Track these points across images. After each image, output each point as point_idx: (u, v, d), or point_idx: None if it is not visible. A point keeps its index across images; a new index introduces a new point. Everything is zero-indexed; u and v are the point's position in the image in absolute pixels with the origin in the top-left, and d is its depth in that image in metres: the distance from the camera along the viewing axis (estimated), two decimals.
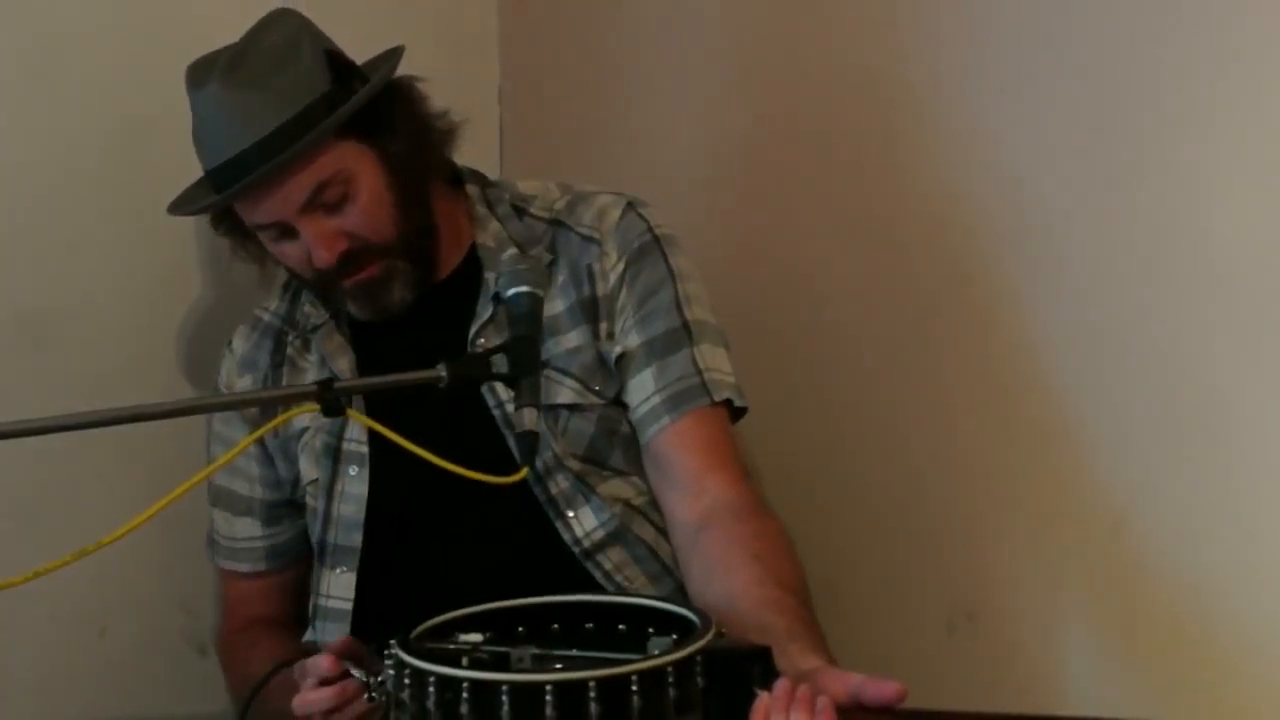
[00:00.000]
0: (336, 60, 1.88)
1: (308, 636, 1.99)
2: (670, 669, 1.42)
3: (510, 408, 1.86)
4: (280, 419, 1.81)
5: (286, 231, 1.87)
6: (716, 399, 1.89)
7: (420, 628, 1.56)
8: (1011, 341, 1.97)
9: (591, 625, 1.59)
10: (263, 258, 1.99)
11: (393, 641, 1.52)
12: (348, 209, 1.85)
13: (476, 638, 1.55)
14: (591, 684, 1.39)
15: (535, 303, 1.71)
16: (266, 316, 2.06)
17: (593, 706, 1.39)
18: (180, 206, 1.98)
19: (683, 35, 2.37)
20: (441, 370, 1.64)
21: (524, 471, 1.62)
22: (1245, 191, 1.71)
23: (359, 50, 1.99)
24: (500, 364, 1.65)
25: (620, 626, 1.58)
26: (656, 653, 1.45)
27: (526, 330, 1.68)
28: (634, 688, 1.40)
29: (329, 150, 1.84)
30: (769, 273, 2.25)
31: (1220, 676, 1.76)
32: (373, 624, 1.88)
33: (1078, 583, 1.92)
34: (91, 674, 2.21)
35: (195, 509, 2.08)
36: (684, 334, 1.90)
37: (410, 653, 1.48)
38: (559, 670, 1.43)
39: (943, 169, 2.04)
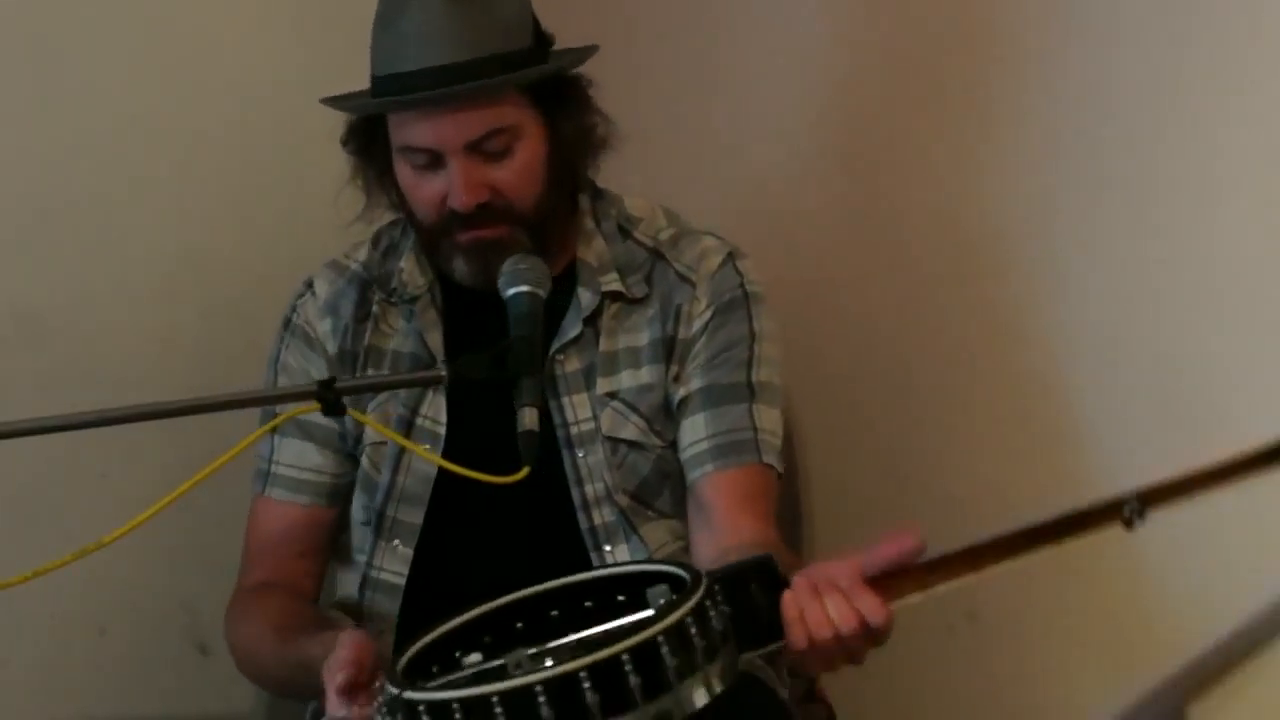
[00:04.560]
0: (538, 26, 1.89)
1: (344, 592, 1.97)
2: (689, 617, 1.39)
3: (575, 430, 1.89)
4: (282, 418, 1.81)
5: (435, 163, 1.85)
6: (765, 460, 1.89)
7: (412, 649, 1.53)
8: (1012, 342, 1.97)
9: (591, 603, 1.57)
10: (372, 190, 1.95)
11: (383, 676, 1.49)
12: (503, 164, 1.84)
13: (476, 658, 1.52)
14: (625, 657, 1.36)
15: (535, 302, 1.71)
16: (354, 265, 2.01)
17: (631, 679, 1.36)
18: (343, 103, 1.93)
19: (682, 34, 2.37)
20: (442, 370, 1.64)
21: (524, 471, 1.62)
22: (1248, 194, 1.72)
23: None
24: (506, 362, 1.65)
25: (620, 597, 1.55)
26: (663, 601, 1.43)
27: (527, 330, 1.68)
28: (664, 649, 1.37)
29: (514, 101, 1.84)
30: (774, 272, 2.25)
31: (1220, 674, 1.76)
32: (420, 601, 1.89)
33: (1077, 582, 1.92)
34: (91, 674, 2.21)
35: (195, 509, 2.07)
36: (746, 390, 1.90)
37: (399, 684, 1.44)
38: (587, 654, 1.38)
39: (949, 174, 2.04)
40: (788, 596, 1.48)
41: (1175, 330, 1.79)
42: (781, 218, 2.27)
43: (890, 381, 2.13)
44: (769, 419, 1.91)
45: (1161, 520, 1.81)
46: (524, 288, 1.71)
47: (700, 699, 1.39)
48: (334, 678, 1.61)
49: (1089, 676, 1.90)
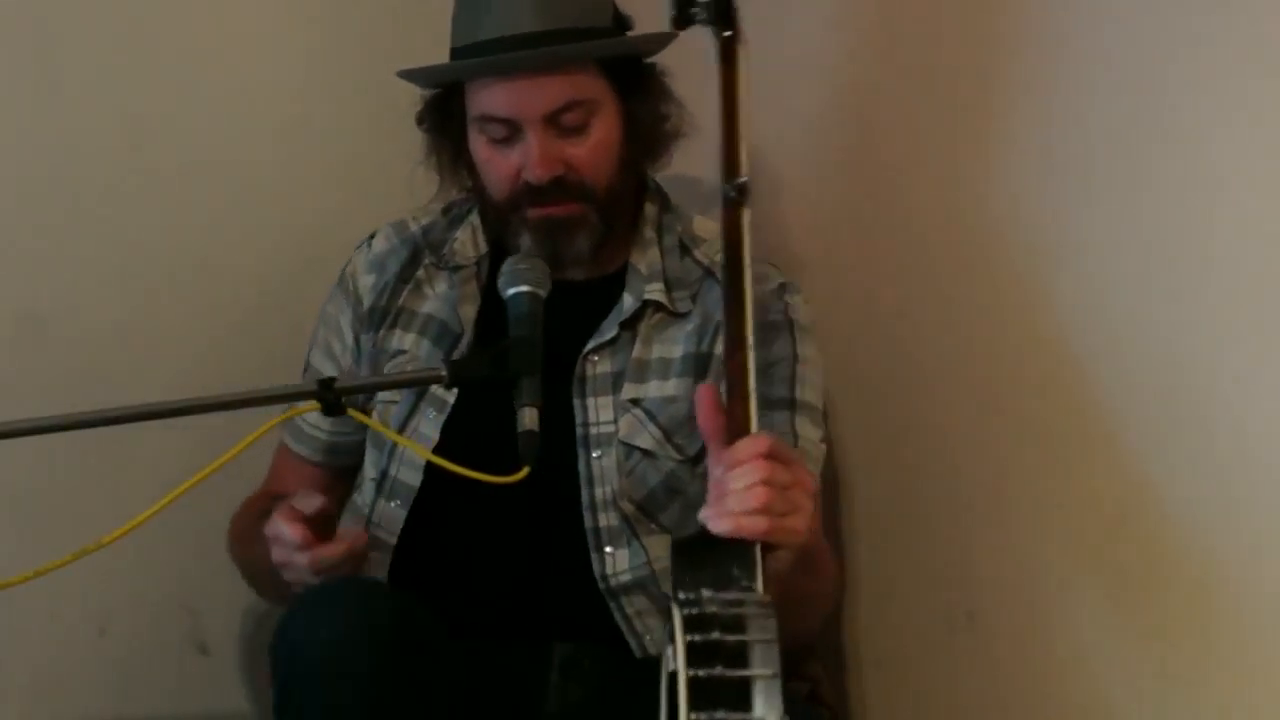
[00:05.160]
0: (616, 8, 1.92)
1: None
2: (689, 633, 1.42)
3: (594, 431, 1.90)
4: (279, 419, 1.81)
5: (511, 136, 1.87)
6: (808, 467, 1.84)
7: None
8: (1011, 341, 1.97)
9: None
10: (445, 170, 1.97)
11: None
12: (579, 140, 1.87)
13: None
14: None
15: (535, 303, 1.71)
16: (414, 228, 2.03)
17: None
18: (421, 72, 1.93)
19: (691, 35, 2.37)
20: (441, 370, 1.64)
21: (524, 471, 1.62)
22: (1249, 190, 1.72)
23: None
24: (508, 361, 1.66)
25: None
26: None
27: (527, 330, 1.68)
28: (700, 674, 1.41)
29: (592, 75, 1.86)
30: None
31: (1222, 673, 1.76)
32: (408, 565, 1.91)
33: (1078, 581, 1.92)
34: (91, 674, 2.21)
35: (195, 509, 2.07)
36: (788, 404, 1.91)
37: None
38: None
39: (962, 176, 2.04)
40: (712, 523, 1.50)
41: (1173, 326, 1.79)
42: (791, 221, 2.27)
43: (901, 384, 2.13)
44: (810, 433, 1.92)
45: (1162, 518, 1.81)
46: (524, 288, 1.72)
47: (768, 665, 1.41)
48: (305, 503, 1.73)
49: (1089, 675, 1.90)
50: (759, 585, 1.48)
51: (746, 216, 1.59)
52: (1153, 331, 1.82)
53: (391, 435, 1.89)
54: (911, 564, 2.10)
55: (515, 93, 1.85)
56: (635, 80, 1.91)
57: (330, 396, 1.60)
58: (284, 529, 1.73)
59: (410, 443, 1.89)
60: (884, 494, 2.14)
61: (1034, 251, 1.96)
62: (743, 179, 1.59)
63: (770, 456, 1.52)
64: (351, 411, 1.65)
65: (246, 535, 1.95)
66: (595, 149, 1.87)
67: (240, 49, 2.29)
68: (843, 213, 2.21)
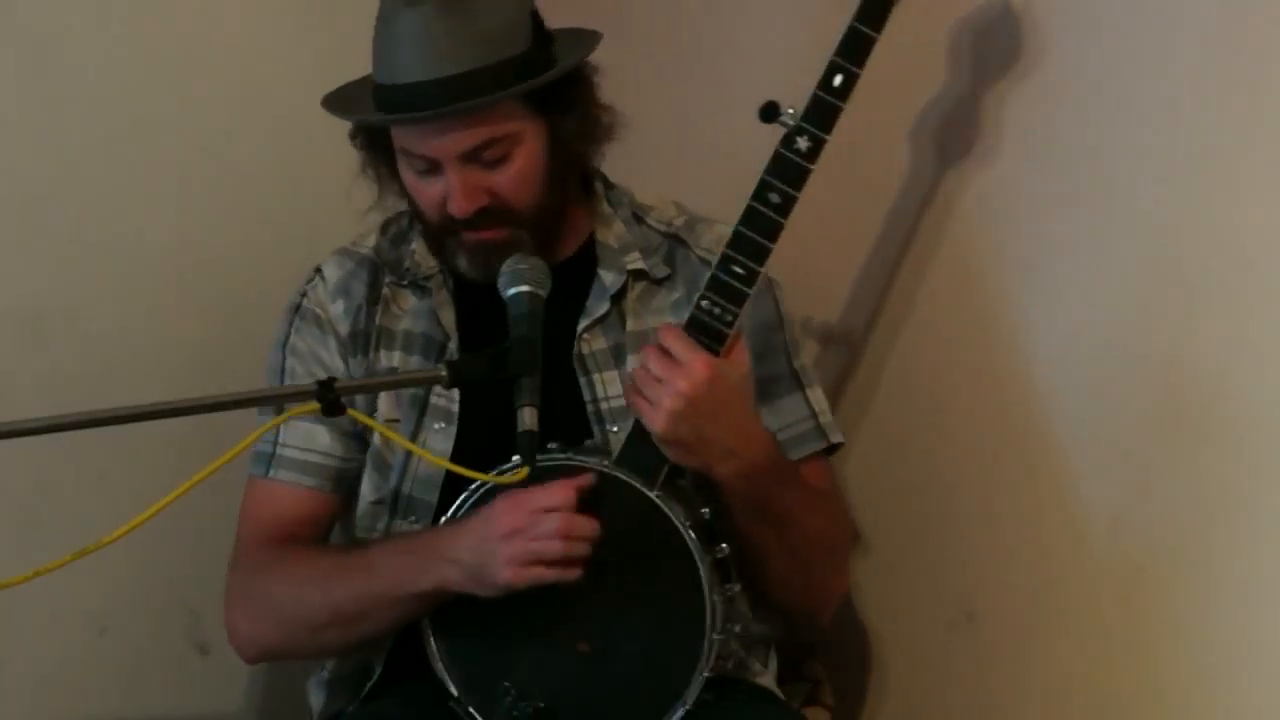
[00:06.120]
0: (537, 22, 1.89)
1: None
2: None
3: (605, 406, 1.91)
4: (280, 419, 1.80)
5: (434, 168, 1.86)
6: (833, 441, 1.96)
7: None
8: (1011, 342, 1.97)
9: None
10: (384, 181, 1.96)
11: None
12: (500, 170, 1.85)
13: None
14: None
15: (535, 303, 1.71)
16: (364, 250, 2.02)
17: None
18: (340, 109, 1.93)
19: (670, 28, 2.38)
20: (441, 370, 1.64)
21: (524, 471, 1.62)
22: (1245, 192, 1.72)
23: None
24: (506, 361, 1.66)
25: None
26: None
27: (526, 330, 1.68)
28: None
29: (510, 109, 1.84)
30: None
31: (1220, 675, 1.76)
32: None
33: (1077, 582, 1.92)
34: (91, 674, 2.21)
35: (195, 509, 2.07)
36: (794, 380, 1.95)
37: None
38: None
39: (939, 169, 2.04)
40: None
41: (1171, 329, 1.80)
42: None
43: (899, 386, 2.13)
44: (818, 399, 1.97)
45: (1159, 520, 1.82)
46: (524, 288, 1.72)
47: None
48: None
49: (1088, 676, 1.91)
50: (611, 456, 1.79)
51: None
52: (1151, 334, 1.82)
53: (405, 444, 1.88)
54: (911, 565, 2.11)
55: (431, 136, 1.83)
56: (558, 97, 1.88)
57: (331, 396, 1.60)
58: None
59: (428, 454, 1.88)
60: (883, 496, 2.14)
61: (1033, 255, 1.96)
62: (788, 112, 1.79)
63: (656, 347, 1.76)
64: (353, 413, 1.64)
65: (310, 575, 1.90)
66: (516, 178, 1.86)
67: (241, 49, 2.30)
68: (839, 218, 2.20)
